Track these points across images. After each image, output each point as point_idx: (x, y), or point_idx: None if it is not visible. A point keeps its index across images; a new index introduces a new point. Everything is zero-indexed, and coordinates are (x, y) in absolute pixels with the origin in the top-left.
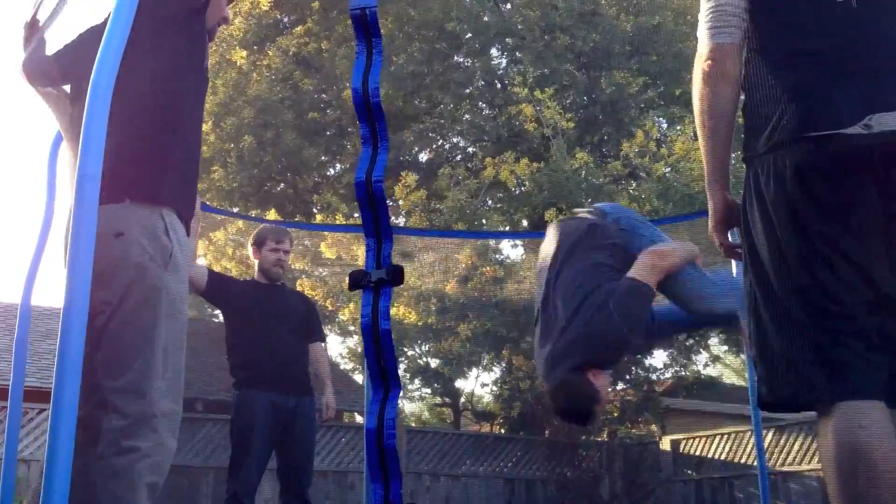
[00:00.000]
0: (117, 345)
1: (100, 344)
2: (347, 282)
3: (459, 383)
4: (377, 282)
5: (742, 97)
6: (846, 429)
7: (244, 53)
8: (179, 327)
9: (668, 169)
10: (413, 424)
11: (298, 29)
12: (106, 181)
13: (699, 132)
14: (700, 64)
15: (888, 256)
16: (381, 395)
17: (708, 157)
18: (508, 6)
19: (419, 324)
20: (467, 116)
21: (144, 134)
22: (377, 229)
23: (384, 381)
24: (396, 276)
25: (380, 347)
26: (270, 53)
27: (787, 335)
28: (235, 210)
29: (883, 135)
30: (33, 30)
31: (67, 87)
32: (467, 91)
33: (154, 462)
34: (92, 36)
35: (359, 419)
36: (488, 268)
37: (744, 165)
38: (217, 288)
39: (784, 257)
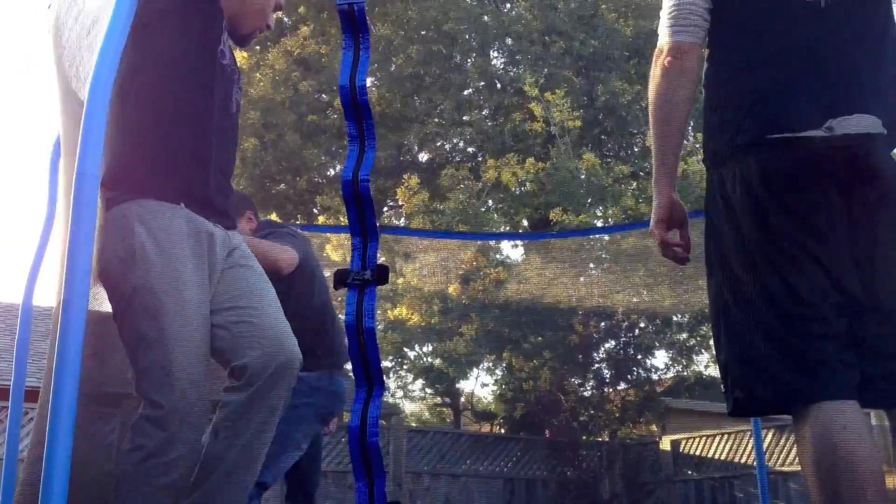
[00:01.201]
0: (117, 354)
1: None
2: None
3: (459, 383)
4: (362, 281)
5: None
6: (825, 430)
7: (245, 54)
8: (167, 320)
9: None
10: (413, 424)
11: (304, 29)
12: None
13: (652, 128)
14: (659, 60)
15: (853, 257)
16: (365, 394)
17: (658, 153)
18: (508, 6)
19: (422, 324)
20: (466, 117)
21: (120, 129)
22: (363, 228)
23: (368, 379)
24: (381, 275)
25: (364, 346)
26: (273, 55)
27: (760, 339)
28: None
29: (845, 138)
30: None
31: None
32: (466, 93)
33: (166, 461)
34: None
35: None
36: (492, 270)
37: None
38: None
39: (753, 261)
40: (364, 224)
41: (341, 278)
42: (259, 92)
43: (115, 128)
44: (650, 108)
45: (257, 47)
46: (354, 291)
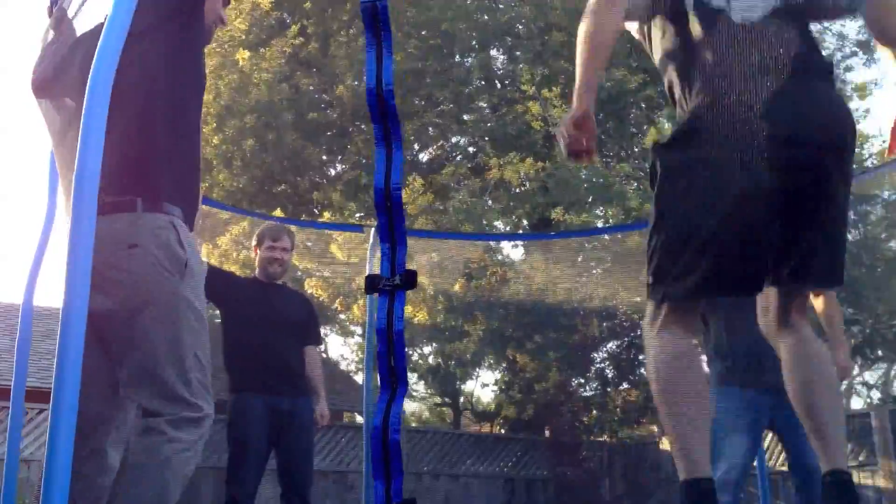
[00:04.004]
0: (144, 356)
1: (122, 355)
2: (363, 284)
3: (464, 384)
4: (392, 286)
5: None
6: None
7: (247, 54)
8: (202, 332)
9: None
10: (413, 424)
11: (293, 29)
12: (115, 188)
13: (579, 56)
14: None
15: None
16: (389, 394)
17: (584, 72)
18: (505, 4)
19: (428, 324)
20: (466, 116)
21: (150, 138)
22: (392, 234)
23: (392, 380)
24: (410, 280)
25: (392, 348)
26: (268, 55)
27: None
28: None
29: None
30: (59, 25)
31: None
32: (466, 90)
33: (190, 456)
34: (86, 40)
35: (359, 419)
36: (498, 269)
37: None
38: (213, 282)
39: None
40: (394, 230)
41: (373, 284)
42: (258, 93)
43: (144, 130)
44: (580, 40)
45: (261, 49)
46: (385, 296)
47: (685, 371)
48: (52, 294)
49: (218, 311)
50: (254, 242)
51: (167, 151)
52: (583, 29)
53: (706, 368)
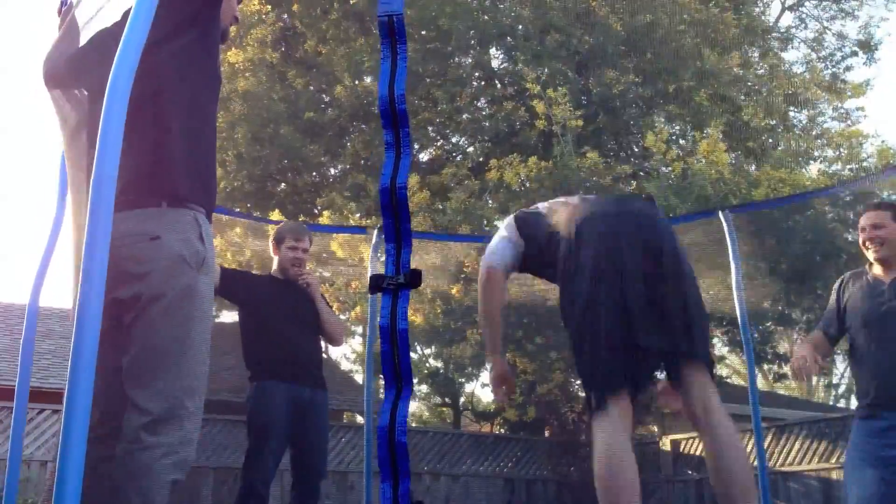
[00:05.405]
0: (149, 344)
1: (129, 343)
2: (364, 284)
3: (464, 386)
4: (396, 285)
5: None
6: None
7: (239, 53)
8: (207, 329)
9: (686, 166)
10: (413, 424)
11: (271, 16)
12: (140, 185)
13: (481, 328)
14: (481, 273)
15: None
16: (395, 394)
17: (490, 341)
18: (505, 4)
19: (426, 326)
20: (465, 116)
21: (172, 139)
22: (397, 235)
23: (398, 380)
24: (414, 279)
25: (397, 348)
26: (248, 43)
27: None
28: (237, 210)
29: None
30: (66, 19)
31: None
32: (465, 90)
33: (178, 459)
34: (104, 38)
35: (359, 419)
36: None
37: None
38: (231, 283)
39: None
40: (399, 230)
41: (377, 284)
42: (245, 82)
43: (166, 133)
44: (479, 302)
45: (248, 47)
46: (389, 295)
47: (621, 465)
48: (52, 294)
49: (222, 314)
50: (272, 239)
51: (188, 152)
52: (479, 304)
53: (634, 463)
